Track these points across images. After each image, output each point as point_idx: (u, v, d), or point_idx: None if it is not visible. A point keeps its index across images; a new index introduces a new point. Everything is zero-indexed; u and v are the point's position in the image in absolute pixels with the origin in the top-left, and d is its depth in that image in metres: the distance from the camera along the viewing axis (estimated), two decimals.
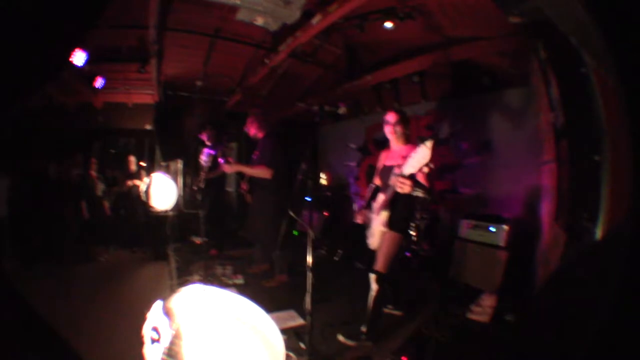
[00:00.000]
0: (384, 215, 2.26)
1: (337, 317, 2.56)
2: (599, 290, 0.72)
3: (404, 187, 1.92)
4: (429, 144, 1.73)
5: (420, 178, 2.06)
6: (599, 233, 1.21)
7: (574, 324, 0.75)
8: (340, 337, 2.25)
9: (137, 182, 4.94)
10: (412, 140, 2.44)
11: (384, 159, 2.48)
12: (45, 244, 4.13)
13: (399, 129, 2.33)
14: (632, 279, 0.65)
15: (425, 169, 1.82)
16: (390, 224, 2.26)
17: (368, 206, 2.50)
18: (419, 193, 2.10)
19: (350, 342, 2.21)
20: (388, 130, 2.37)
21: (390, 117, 2.35)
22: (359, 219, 2.52)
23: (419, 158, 1.77)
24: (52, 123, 4.98)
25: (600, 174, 1.25)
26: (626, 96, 0.72)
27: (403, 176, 1.92)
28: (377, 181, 2.53)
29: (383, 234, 2.29)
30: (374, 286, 2.25)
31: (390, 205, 2.24)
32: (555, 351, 0.76)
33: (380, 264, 2.24)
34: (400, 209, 2.26)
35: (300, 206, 2.89)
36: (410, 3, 3.15)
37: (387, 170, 2.29)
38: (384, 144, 2.49)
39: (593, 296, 0.73)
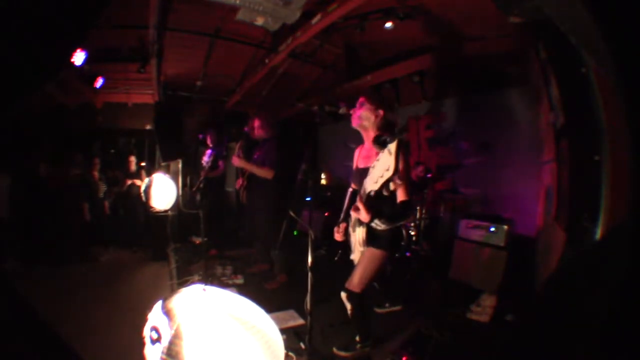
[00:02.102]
0: (360, 232, 1.86)
1: (337, 317, 2.56)
2: (599, 291, 0.72)
3: (360, 217, 1.56)
4: (392, 147, 1.18)
5: (400, 192, 1.66)
6: (599, 233, 1.21)
7: (574, 324, 0.75)
8: (336, 351, 2.13)
9: (137, 181, 4.94)
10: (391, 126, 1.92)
11: (358, 158, 2.06)
12: (45, 244, 4.13)
13: (363, 113, 1.84)
14: (632, 279, 0.65)
15: (392, 186, 1.37)
16: (369, 242, 1.85)
17: (347, 216, 2.08)
18: (380, 226, 1.64)
19: (346, 354, 2.11)
20: (354, 123, 1.89)
21: (357, 104, 1.90)
22: (337, 237, 2.08)
23: (380, 169, 1.28)
24: (52, 123, 4.98)
25: (600, 174, 1.25)
26: (626, 96, 0.72)
27: (361, 198, 1.50)
28: (354, 186, 2.12)
29: (363, 251, 1.93)
30: (347, 305, 1.97)
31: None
32: (555, 351, 0.76)
33: (354, 281, 1.90)
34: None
35: (300, 206, 2.89)
36: (410, 3, 3.15)
37: (362, 173, 1.82)
38: None
39: (593, 296, 0.73)
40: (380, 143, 1.45)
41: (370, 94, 1.92)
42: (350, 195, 2.16)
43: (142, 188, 3.04)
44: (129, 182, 4.96)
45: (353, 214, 1.62)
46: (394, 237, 1.93)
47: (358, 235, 1.87)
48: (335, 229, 2.10)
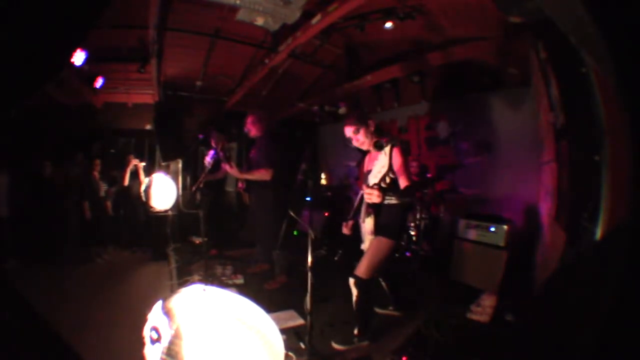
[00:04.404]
0: (369, 222, 2.16)
1: (337, 317, 2.56)
2: (598, 290, 0.72)
3: (372, 198, 1.67)
4: (387, 150, 1.69)
5: (404, 179, 1.91)
6: (599, 233, 1.21)
7: (574, 323, 0.76)
8: (334, 345, 2.17)
9: (139, 165, 4.84)
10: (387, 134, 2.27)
11: (367, 164, 2.31)
12: (45, 244, 4.12)
13: (361, 136, 2.14)
14: (631, 279, 0.65)
15: (387, 179, 1.62)
16: (377, 230, 2.13)
17: (356, 214, 2.30)
18: (393, 200, 1.98)
19: (344, 347, 2.15)
20: (355, 143, 2.19)
21: (347, 130, 2.16)
22: (345, 230, 2.37)
23: (379, 167, 1.67)
24: (52, 123, 4.98)
25: (600, 174, 1.25)
26: (626, 96, 0.72)
27: (368, 186, 1.69)
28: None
29: (371, 240, 2.18)
30: (354, 291, 2.14)
31: (373, 211, 2.12)
32: (555, 351, 0.76)
33: (362, 268, 2.09)
34: (385, 215, 2.11)
35: (300, 206, 2.89)
36: (410, 3, 3.15)
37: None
38: None
39: (593, 296, 0.73)
40: (377, 147, 1.72)
41: (356, 123, 2.13)
42: (360, 197, 2.30)
43: (142, 188, 3.03)
44: (130, 164, 4.83)
45: (366, 197, 1.72)
46: (400, 227, 2.17)
47: (367, 225, 2.14)
48: (344, 224, 2.37)
